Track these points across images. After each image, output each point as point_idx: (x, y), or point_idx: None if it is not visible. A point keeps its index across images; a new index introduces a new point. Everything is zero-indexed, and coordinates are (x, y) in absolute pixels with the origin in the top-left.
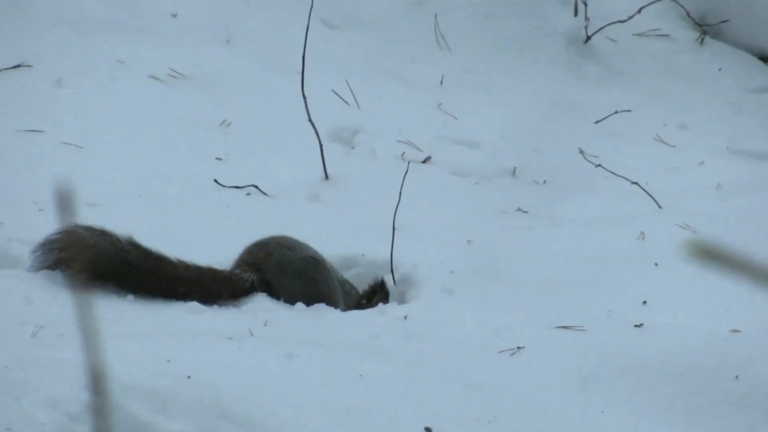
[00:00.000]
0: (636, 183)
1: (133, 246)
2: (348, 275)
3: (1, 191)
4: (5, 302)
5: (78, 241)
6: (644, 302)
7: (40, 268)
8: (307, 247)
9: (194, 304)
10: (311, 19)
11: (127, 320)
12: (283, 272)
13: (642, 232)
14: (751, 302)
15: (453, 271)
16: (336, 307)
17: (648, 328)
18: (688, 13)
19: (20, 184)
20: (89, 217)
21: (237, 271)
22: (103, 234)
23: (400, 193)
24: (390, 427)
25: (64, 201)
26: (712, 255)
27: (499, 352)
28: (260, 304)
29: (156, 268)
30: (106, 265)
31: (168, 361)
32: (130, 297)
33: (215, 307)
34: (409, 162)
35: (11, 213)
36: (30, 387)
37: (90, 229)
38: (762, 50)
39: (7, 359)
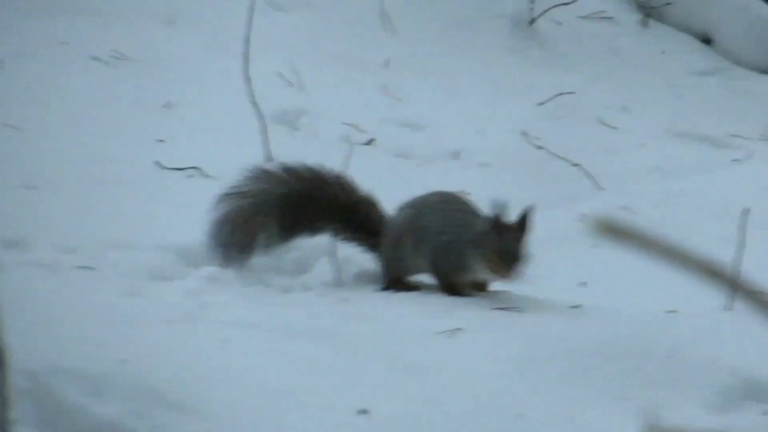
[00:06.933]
0: (577, 164)
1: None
2: (288, 257)
3: None
4: None
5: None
6: (583, 283)
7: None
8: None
9: (128, 287)
10: None
11: (58, 303)
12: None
13: (582, 214)
14: (690, 282)
15: None
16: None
17: (585, 310)
18: None
19: None
20: (26, 200)
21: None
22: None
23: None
24: (325, 409)
25: None
26: (615, 232)
27: (437, 334)
28: (198, 285)
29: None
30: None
31: (102, 344)
32: (64, 277)
33: (150, 290)
34: (352, 144)
35: None
36: None
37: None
38: (704, 33)
39: None
